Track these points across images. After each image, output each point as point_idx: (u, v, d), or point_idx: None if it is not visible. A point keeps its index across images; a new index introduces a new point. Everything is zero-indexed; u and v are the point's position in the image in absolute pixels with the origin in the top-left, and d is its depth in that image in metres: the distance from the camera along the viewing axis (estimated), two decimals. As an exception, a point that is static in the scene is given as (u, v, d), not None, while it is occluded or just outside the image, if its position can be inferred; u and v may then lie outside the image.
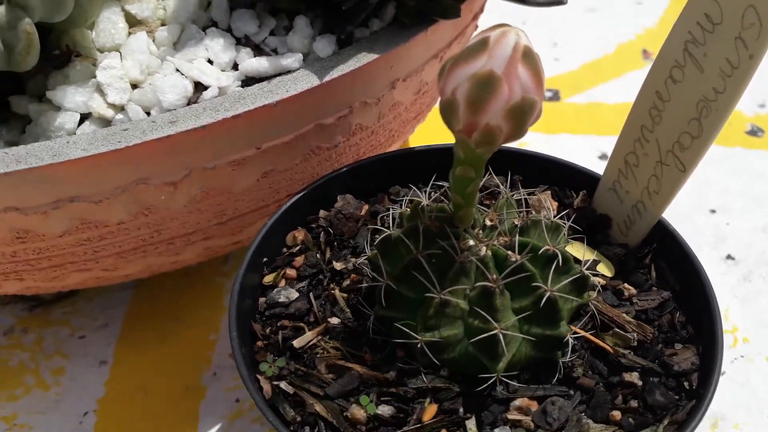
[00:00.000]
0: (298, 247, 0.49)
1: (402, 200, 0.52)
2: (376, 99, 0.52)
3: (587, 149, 0.86)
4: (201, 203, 0.48)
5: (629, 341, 0.43)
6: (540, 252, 0.41)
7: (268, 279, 0.48)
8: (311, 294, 0.46)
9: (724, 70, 0.38)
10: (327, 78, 0.47)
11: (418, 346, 0.40)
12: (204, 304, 0.68)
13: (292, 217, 0.50)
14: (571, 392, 0.41)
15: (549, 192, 0.52)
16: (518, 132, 0.35)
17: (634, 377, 0.42)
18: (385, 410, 0.40)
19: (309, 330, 0.44)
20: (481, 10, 0.63)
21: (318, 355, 0.43)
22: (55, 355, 0.64)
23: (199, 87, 0.46)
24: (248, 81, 0.48)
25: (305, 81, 0.46)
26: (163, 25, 0.50)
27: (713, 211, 0.76)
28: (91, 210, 0.44)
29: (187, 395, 0.60)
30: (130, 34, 0.48)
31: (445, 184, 0.44)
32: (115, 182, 0.43)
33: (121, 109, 0.45)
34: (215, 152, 0.45)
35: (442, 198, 0.43)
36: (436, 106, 0.63)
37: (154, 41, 0.48)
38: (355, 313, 0.45)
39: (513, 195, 0.44)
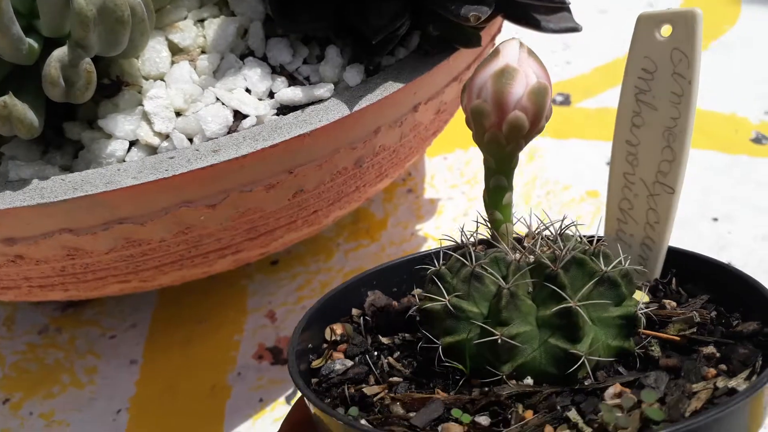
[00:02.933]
0: (339, 338, 0.47)
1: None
2: (400, 122, 0.55)
3: (596, 155, 0.89)
4: (236, 221, 0.51)
5: (692, 320, 0.43)
6: (585, 253, 0.41)
7: (317, 363, 0.46)
8: (368, 359, 0.44)
9: (673, 100, 0.45)
10: (356, 108, 0.49)
11: (499, 341, 0.39)
12: (228, 306, 0.71)
13: (322, 317, 0.48)
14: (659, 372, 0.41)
15: None
16: (539, 118, 0.40)
17: (711, 349, 0.42)
18: (482, 419, 0.38)
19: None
20: (499, 30, 0.66)
21: (390, 402, 0.40)
22: (87, 354, 0.67)
23: (238, 115, 0.49)
24: (283, 108, 0.50)
25: (336, 111, 0.49)
26: (203, 52, 0.52)
27: (716, 219, 0.77)
28: (136, 230, 0.47)
29: (214, 394, 0.64)
30: (173, 62, 0.51)
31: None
32: (160, 206, 0.46)
33: (166, 136, 0.48)
34: (252, 177, 0.48)
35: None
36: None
37: (195, 69, 0.51)
38: (417, 372, 0.43)
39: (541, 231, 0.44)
